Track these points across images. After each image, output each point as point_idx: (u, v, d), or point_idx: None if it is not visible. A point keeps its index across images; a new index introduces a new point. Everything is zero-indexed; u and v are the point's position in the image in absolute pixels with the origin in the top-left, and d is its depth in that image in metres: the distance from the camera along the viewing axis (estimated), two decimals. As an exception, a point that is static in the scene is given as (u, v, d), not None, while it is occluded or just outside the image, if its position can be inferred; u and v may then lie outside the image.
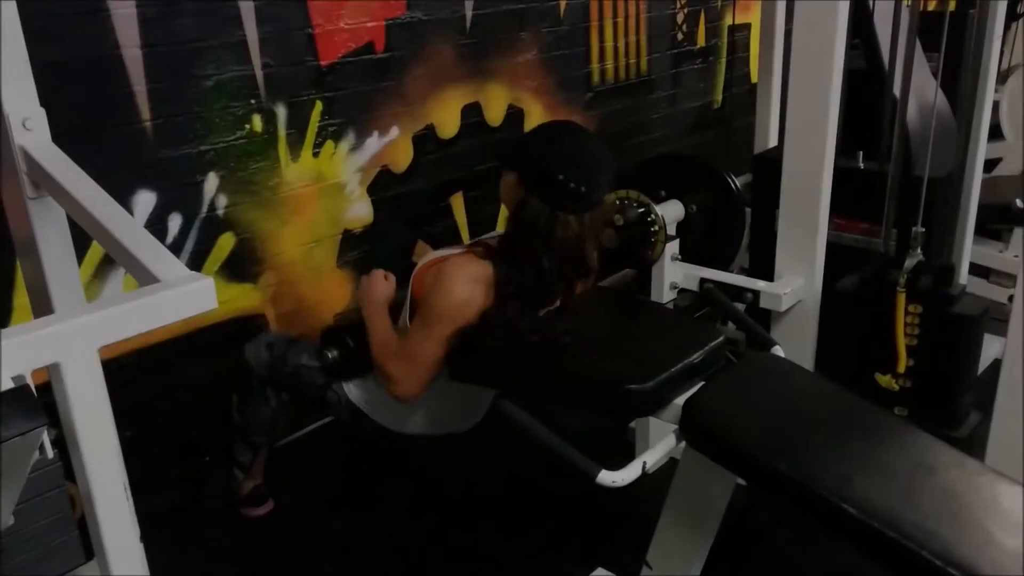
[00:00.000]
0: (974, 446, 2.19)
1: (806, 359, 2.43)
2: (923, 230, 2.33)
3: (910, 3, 2.44)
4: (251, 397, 2.35)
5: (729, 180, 2.80)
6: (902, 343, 2.30)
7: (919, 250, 2.32)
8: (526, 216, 1.95)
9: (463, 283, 1.98)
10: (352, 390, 2.25)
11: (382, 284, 2.19)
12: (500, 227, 3.32)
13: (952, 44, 2.36)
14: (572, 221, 1.94)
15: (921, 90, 2.61)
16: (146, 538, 1.28)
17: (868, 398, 1.80)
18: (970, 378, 2.45)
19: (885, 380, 2.34)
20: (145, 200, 2.34)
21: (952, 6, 2.32)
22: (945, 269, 2.36)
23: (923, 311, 2.29)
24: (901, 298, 2.28)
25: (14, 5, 1.34)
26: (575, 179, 1.91)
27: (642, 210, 2.45)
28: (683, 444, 1.76)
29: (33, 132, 1.39)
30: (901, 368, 2.31)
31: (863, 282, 2.42)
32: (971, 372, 2.46)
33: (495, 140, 3.26)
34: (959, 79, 2.53)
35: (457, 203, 3.22)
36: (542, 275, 1.95)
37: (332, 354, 2.25)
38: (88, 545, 1.32)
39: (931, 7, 2.84)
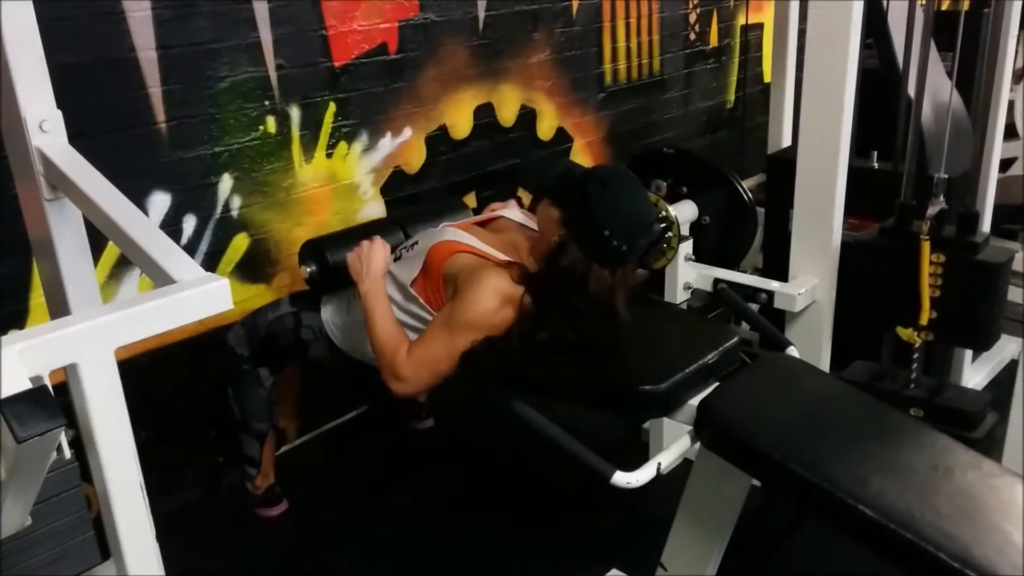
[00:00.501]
0: (991, 447, 2.17)
1: (821, 360, 2.42)
2: (945, 176, 2.24)
3: (924, 2, 2.43)
4: (243, 382, 2.36)
5: (732, 179, 2.79)
6: (926, 293, 2.20)
7: (942, 198, 2.22)
8: (563, 263, 1.93)
9: (500, 302, 1.96)
10: (329, 313, 2.28)
11: (384, 255, 2.15)
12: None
13: (967, 43, 2.34)
14: (606, 274, 1.93)
15: (936, 90, 2.60)
16: (162, 538, 1.28)
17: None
18: (995, 329, 2.32)
19: (907, 334, 2.26)
20: (160, 201, 2.35)
21: (967, 5, 2.29)
22: (968, 216, 2.24)
23: (946, 260, 2.19)
24: (925, 247, 2.18)
25: (31, 7, 1.35)
26: (618, 237, 1.90)
27: (664, 225, 2.44)
28: (698, 445, 1.76)
29: (50, 134, 1.40)
30: (924, 320, 2.22)
31: (884, 233, 2.32)
32: (996, 322, 2.32)
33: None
34: (974, 78, 2.51)
35: (470, 203, 3.22)
36: (574, 321, 1.93)
37: (310, 268, 2.26)
38: (104, 545, 1.32)
39: (945, 6, 2.81)
